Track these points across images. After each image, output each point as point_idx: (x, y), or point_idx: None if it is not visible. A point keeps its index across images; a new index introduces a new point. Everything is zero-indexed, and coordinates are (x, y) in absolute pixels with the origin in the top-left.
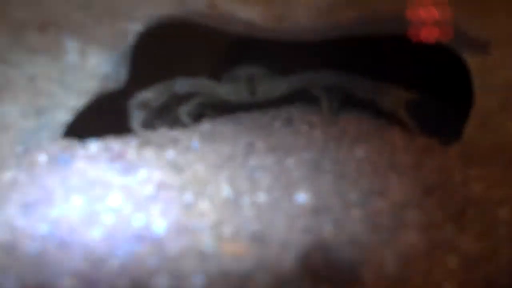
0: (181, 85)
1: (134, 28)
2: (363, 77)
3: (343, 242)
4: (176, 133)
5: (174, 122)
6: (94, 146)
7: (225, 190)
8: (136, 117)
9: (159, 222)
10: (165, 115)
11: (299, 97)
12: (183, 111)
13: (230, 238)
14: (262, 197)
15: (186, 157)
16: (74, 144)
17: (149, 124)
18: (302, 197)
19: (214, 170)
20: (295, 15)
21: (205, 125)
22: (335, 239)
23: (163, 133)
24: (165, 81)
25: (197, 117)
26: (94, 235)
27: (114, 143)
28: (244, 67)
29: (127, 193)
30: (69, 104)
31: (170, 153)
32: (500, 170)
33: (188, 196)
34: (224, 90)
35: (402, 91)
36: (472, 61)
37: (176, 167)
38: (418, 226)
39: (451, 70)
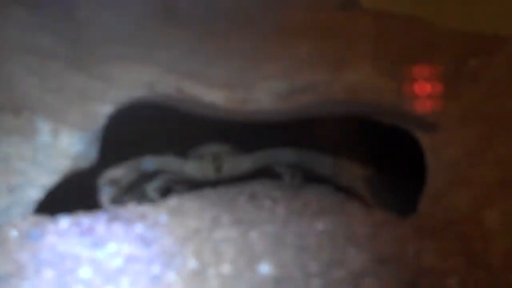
0: (149, 163)
1: (105, 110)
2: (322, 155)
3: None
4: (144, 208)
5: (142, 198)
6: (64, 221)
7: (192, 262)
8: (105, 194)
9: None
10: (133, 191)
11: (263, 174)
12: (151, 187)
13: None
14: (226, 268)
15: (154, 231)
16: (45, 219)
17: (118, 200)
18: (265, 268)
19: (181, 243)
20: (257, 98)
21: (173, 200)
22: None
23: (132, 208)
24: (133, 159)
25: (165, 192)
26: None
27: (84, 218)
28: (209, 145)
29: (96, 266)
30: (41, 182)
31: (139, 227)
32: (451, 242)
33: (156, 268)
34: (191, 167)
35: (358, 168)
36: (424, 140)
37: (144, 241)
38: None
39: (406, 148)
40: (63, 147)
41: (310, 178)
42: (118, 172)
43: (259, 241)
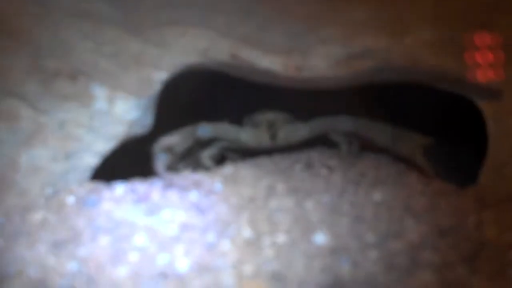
0: (204, 130)
1: (160, 76)
2: (381, 123)
3: (360, 281)
4: (199, 176)
5: (197, 165)
6: (120, 188)
7: (246, 231)
8: (161, 160)
9: (182, 261)
10: (188, 159)
11: (320, 142)
12: (206, 155)
13: (250, 277)
14: (281, 238)
15: (209, 199)
16: (101, 186)
17: (173, 168)
18: (320, 238)
19: (235, 212)
20: (314, 64)
21: (227, 169)
22: (352, 278)
23: (187, 176)
24: (189, 126)
25: (220, 160)
26: (121, 273)
27: (139, 185)
28: (265, 113)
29: (151, 233)
30: (97, 148)
31: (193, 195)
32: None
33: (211, 237)
34: (246, 135)
35: (418, 137)
36: (486, 108)
37: (199, 209)
38: (432, 266)
39: (468, 116)
40: (119, 114)
41: (368, 147)
42: (173, 139)
43: (314, 210)
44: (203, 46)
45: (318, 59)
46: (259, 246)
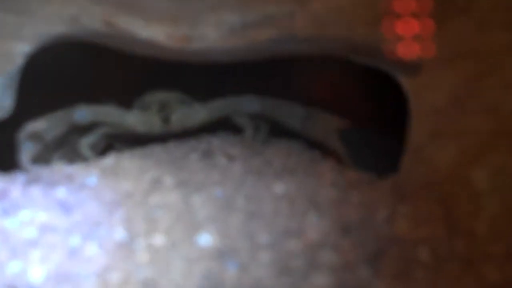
0: (82, 113)
1: (21, 49)
2: (291, 103)
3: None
4: (72, 169)
5: (75, 156)
6: None
7: (118, 232)
8: (26, 151)
9: (37, 270)
10: (64, 148)
11: (223, 127)
12: (84, 143)
13: (116, 286)
14: (159, 239)
15: (79, 195)
16: None
17: (43, 159)
18: (205, 239)
19: (108, 210)
20: (204, 34)
21: (108, 160)
22: (238, 284)
23: (57, 169)
24: (63, 109)
25: (103, 150)
26: None
27: None
28: (156, 93)
29: (4, 237)
30: None
31: (61, 191)
32: (430, 206)
33: (75, 240)
34: (133, 119)
35: (333, 119)
36: (405, 83)
37: (64, 207)
38: (330, 268)
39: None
40: None
41: (278, 132)
42: (41, 125)
43: (202, 206)
44: (72, 13)
45: (209, 27)
46: (132, 249)
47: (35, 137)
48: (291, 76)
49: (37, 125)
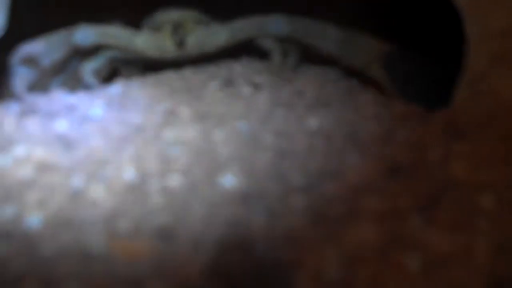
0: (84, 35)
1: None
2: (327, 25)
3: (276, 238)
4: (74, 98)
5: (77, 84)
6: None
7: (128, 172)
8: (20, 77)
9: (33, 215)
10: (64, 74)
11: (247, 51)
12: (88, 69)
13: (126, 235)
14: (175, 180)
15: (82, 129)
16: None
17: (39, 86)
18: (229, 180)
19: (116, 146)
20: None
21: (115, 88)
22: (267, 234)
23: (56, 98)
24: (63, 29)
25: (110, 77)
26: None
27: None
28: (169, 11)
29: None
30: None
31: (61, 124)
32: (489, 145)
33: (77, 181)
34: (143, 42)
35: (375, 43)
36: (462, 2)
37: (65, 143)
38: (374, 217)
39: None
40: None
41: (310, 57)
42: (37, 47)
43: (225, 143)
44: None
45: None
46: (143, 192)
47: (31, 61)
48: None
49: (32, 47)
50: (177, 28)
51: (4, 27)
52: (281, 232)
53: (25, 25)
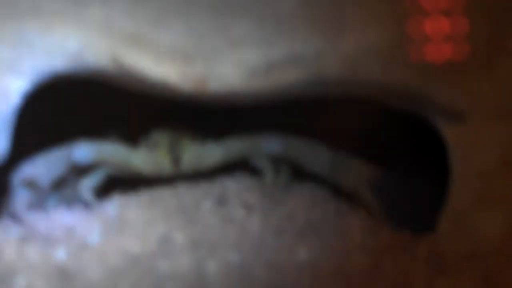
0: (82, 152)
1: (18, 85)
2: (317, 145)
3: None
4: (72, 218)
5: (75, 199)
6: None
7: None
8: (21, 198)
9: None
10: (63, 190)
11: (240, 166)
12: (85, 185)
13: None
14: None
15: (80, 258)
16: None
17: (39, 204)
18: None
19: (113, 278)
20: (223, 75)
21: (112, 209)
22: None
23: (55, 218)
24: (61, 147)
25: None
26: None
27: None
28: (165, 130)
29: None
30: None
31: (60, 253)
32: (471, 284)
33: None
34: (140, 159)
35: (364, 167)
36: (449, 134)
37: (65, 274)
38: None
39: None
40: None
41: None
42: (37, 169)
43: (217, 278)
44: (75, 46)
45: (229, 66)
46: None
47: (31, 183)
48: (318, 114)
49: (32, 169)
50: (174, 146)
51: (7, 151)
52: None
53: (27, 146)
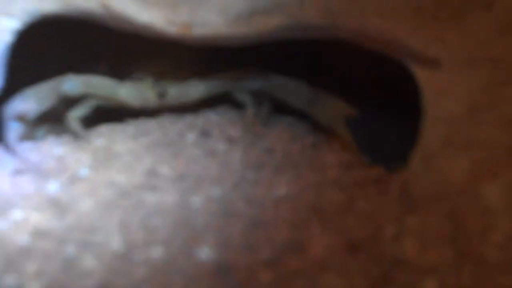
0: (71, 85)
1: (10, 25)
2: (297, 82)
3: None
4: (62, 150)
5: (64, 129)
6: None
7: (115, 242)
8: (13, 131)
9: (33, 285)
10: (53, 121)
11: (223, 99)
12: (74, 116)
13: None
14: (157, 252)
15: (72, 190)
16: None
17: (30, 136)
18: (206, 252)
19: (104, 211)
20: (207, 20)
21: (100, 140)
22: None
23: (46, 150)
24: (51, 79)
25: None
26: None
27: None
28: (151, 64)
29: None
30: None
31: (53, 186)
32: (439, 221)
33: (70, 249)
34: (126, 92)
35: (342, 104)
36: (422, 76)
37: (58, 206)
38: None
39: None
40: None
41: (281, 110)
42: (28, 105)
43: (202, 210)
44: None
45: (213, 13)
46: (130, 262)
47: (22, 117)
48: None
49: (24, 105)
50: (159, 81)
51: (2, 87)
52: None
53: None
